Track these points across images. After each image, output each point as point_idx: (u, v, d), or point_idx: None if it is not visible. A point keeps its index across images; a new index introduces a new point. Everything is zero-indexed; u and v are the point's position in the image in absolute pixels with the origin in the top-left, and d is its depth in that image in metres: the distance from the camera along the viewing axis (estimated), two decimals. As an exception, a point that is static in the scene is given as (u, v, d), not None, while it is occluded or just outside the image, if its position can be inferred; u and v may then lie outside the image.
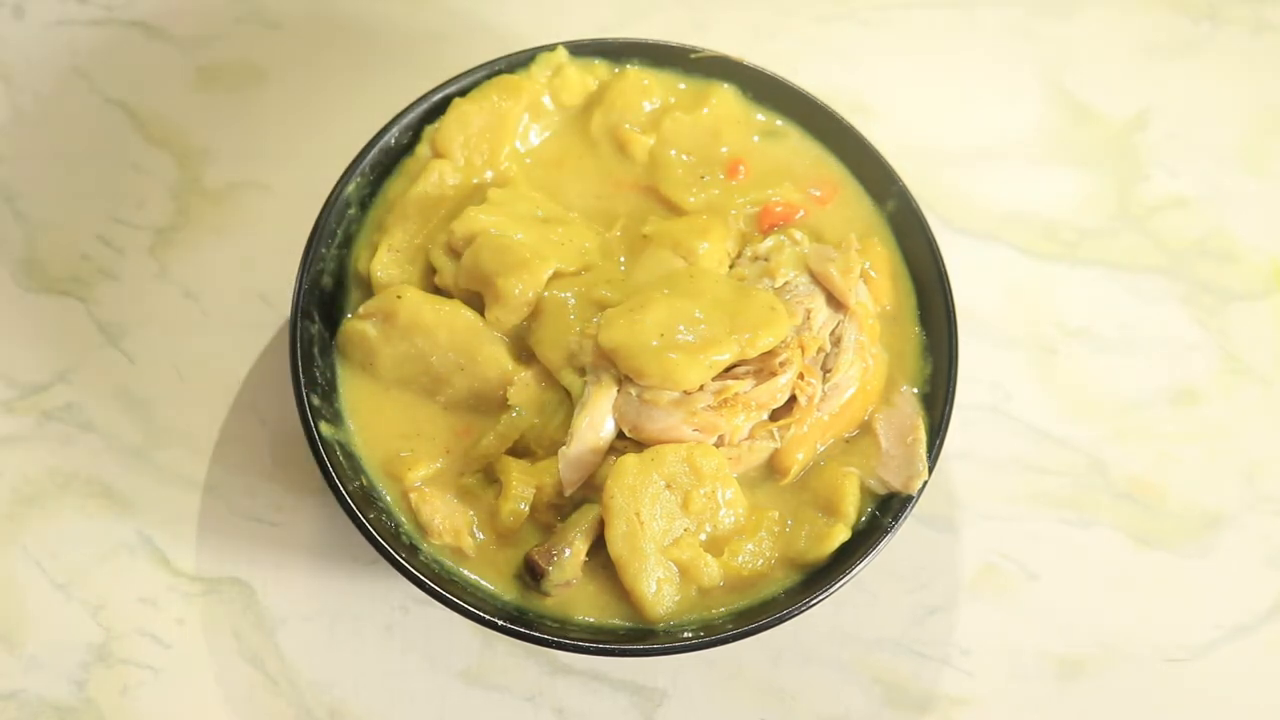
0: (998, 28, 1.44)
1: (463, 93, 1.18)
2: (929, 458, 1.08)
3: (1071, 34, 1.44)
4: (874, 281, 1.13)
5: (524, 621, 1.04)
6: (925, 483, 1.08)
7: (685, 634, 1.04)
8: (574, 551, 1.04)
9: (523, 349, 1.11)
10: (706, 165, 1.19)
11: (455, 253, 1.11)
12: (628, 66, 1.21)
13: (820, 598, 1.04)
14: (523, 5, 1.41)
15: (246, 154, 1.33)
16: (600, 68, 1.21)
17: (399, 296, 1.09)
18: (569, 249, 1.11)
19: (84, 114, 1.34)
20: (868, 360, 1.11)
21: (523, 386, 1.08)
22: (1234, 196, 1.38)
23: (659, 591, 1.04)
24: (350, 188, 1.14)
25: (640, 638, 1.04)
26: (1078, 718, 1.18)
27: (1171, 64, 1.44)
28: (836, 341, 1.10)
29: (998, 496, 1.24)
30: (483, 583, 1.07)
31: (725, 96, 1.21)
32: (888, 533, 1.06)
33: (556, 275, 1.09)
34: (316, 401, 1.08)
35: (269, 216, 1.30)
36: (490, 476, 1.09)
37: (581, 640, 1.02)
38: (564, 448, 1.04)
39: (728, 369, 1.06)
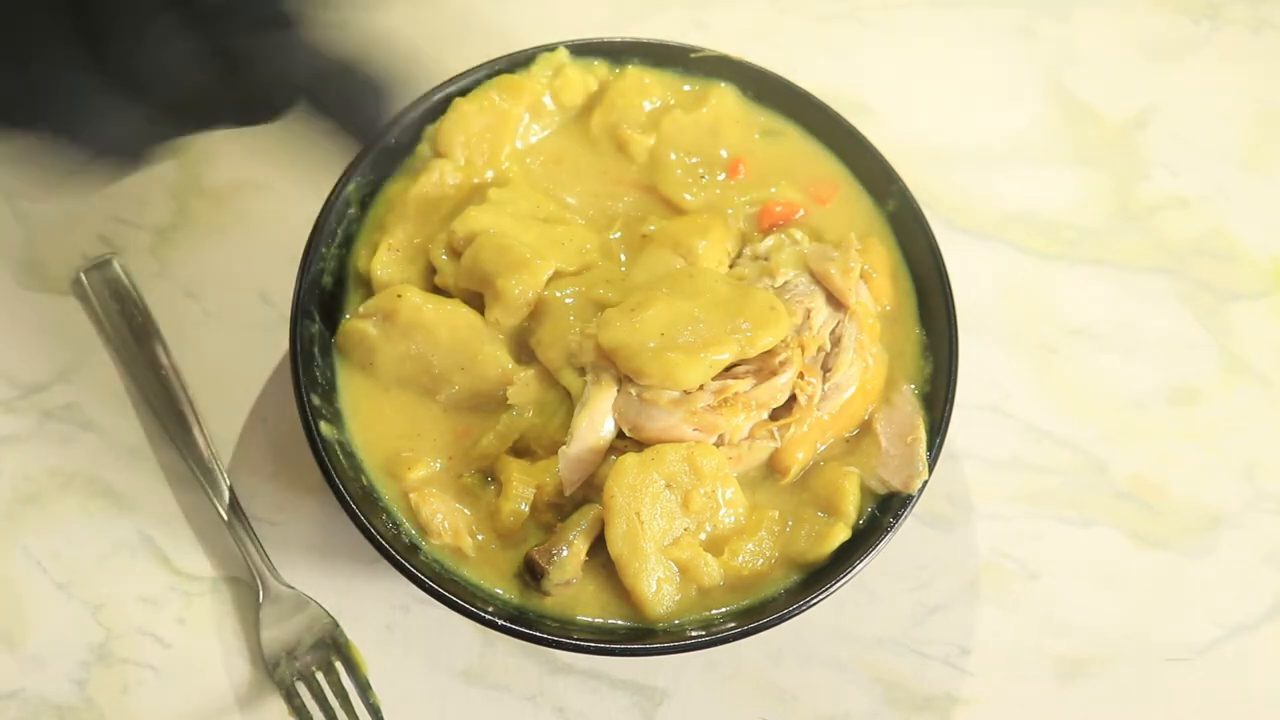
0: (998, 27, 1.44)
1: (463, 92, 1.18)
2: (929, 457, 1.08)
3: (1072, 34, 1.44)
4: (874, 281, 1.13)
5: (524, 621, 1.04)
6: (925, 482, 1.08)
7: (685, 633, 1.04)
8: (574, 551, 1.04)
9: (523, 349, 1.11)
10: (706, 165, 1.19)
11: (455, 252, 1.11)
12: (628, 66, 1.21)
13: (820, 597, 1.04)
14: (523, 5, 1.41)
15: (246, 154, 1.33)
16: (600, 68, 1.21)
17: (399, 296, 1.09)
18: (569, 249, 1.11)
19: (84, 114, 1.34)
20: (868, 360, 1.11)
21: (523, 386, 1.08)
22: (1234, 196, 1.38)
23: (659, 591, 1.04)
24: (350, 187, 1.14)
25: (640, 637, 1.04)
26: (1078, 718, 1.18)
27: (1171, 64, 1.44)
28: (836, 341, 1.10)
29: (998, 496, 1.24)
30: (483, 582, 1.07)
31: (725, 96, 1.21)
32: (888, 532, 1.06)
33: (556, 275, 1.09)
34: (316, 401, 1.08)
35: (269, 216, 1.30)
36: (490, 476, 1.09)
37: (582, 640, 1.02)
38: (564, 447, 1.04)
39: (728, 368, 1.06)
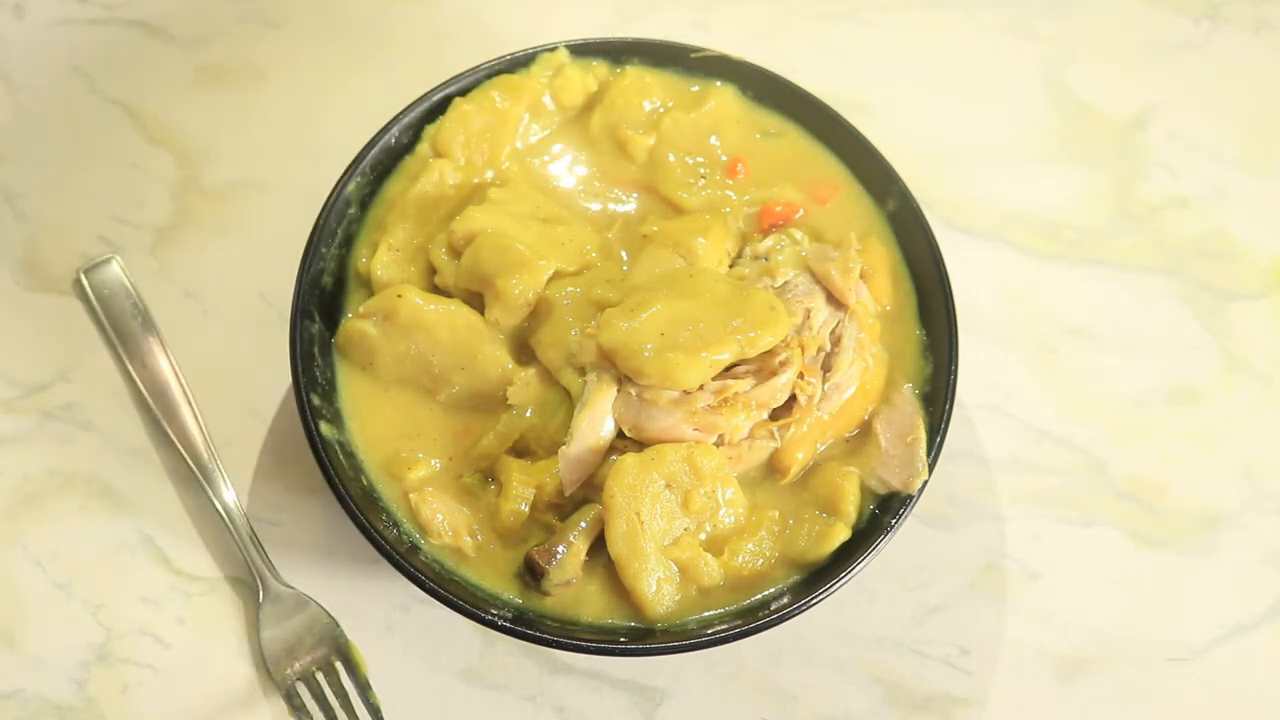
0: (998, 27, 1.44)
1: (463, 92, 1.18)
2: (929, 457, 1.08)
3: (1072, 33, 1.44)
4: (874, 281, 1.13)
5: (524, 621, 1.04)
6: (925, 482, 1.08)
7: (685, 633, 1.04)
8: (574, 551, 1.04)
9: (523, 349, 1.11)
10: (706, 165, 1.19)
11: (455, 252, 1.11)
12: (628, 66, 1.21)
13: (820, 597, 1.04)
14: (523, 5, 1.41)
15: (246, 154, 1.33)
16: (600, 68, 1.21)
17: (399, 296, 1.09)
18: (569, 249, 1.11)
19: (84, 114, 1.34)
20: (867, 359, 1.11)
21: (523, 386, 1.08)
22: (1234, 196, 1.38)
23: (659, 591, 1.03)
24: (350, 187, 1.14)
25: (641, 637, 1.04)
26: (1078, 718, 1.18)
27: (1171, 64, 1.44)
28: (836, 341, 1.10)
29: (998, 496, 1.24)
30: (483, 583, 1.07)
31: (725, 96, 1.21)
32: (888, 532, 1.06)
33: (556, 275, 1.09)
34: (316, 401, 1.08)
35: (269, 216, 1.30)
36: (490, 476, 1.09)
37: (582, 640, 1.02)
38: (564, 447, 1.04)
39: (728, 368, 1.06)
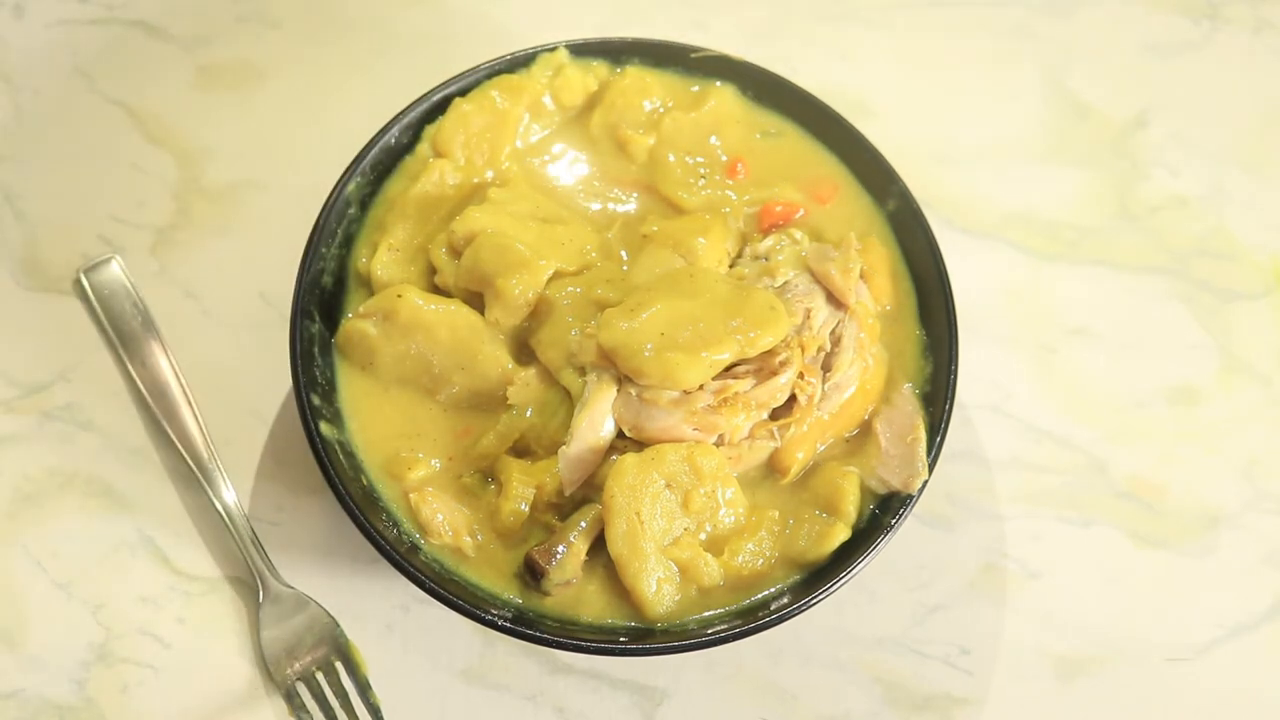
0: (998, 27, 1.44)
1: (463, 92, 1.18)
2: (929, 457, 1.08)
3: (1072, 34, 1.44)
4: (874, 281, 1.13)
5: (524, 621, 1.04)
6: (925, 482, 1.08)
7: (685, 633, 1.04)
8: (574, 551, 1.04)
9: (523, 349, 1.11)
10: (706, 165, 1.19)
11: (455, 252, 1.11)
12: (628, 66, 1.21)
13: (820, 597, 1.04)
14: (523, 5, 1.41)
15: (246, 154, 1.33)
16: (600, 68, 1.21)
17: (399, 296, 1.09)
18: (569, 249, 1.12)
19: (84, 114, 1.34)
20: (867, 359, 1.11)
21: (523, 386, 1.08)
22: (1234, 196, 1.38)
23: (659, 591, 1.03)
24: (350, 187, 1.14)
25: (641, 637, 1.04)
26: (1078, 718, 1.18)
27: (1171, 64, 1.44)
28: (836, 341, 1.10)
29: (998, 496, 1.24)
30: (483, 582, 1.07)
31: (725, 96, 1.21)
32: (888, 532, 1.06)
33: (557, 275, 1.10)
34: (316, 401, 1.08)
35: (269, 216, 1.30)
36: (490, 476, 1.09)
37: (582, 640, 1.02)
38: (564, 447, 1.04)
39: (728, 368, 1.06)
